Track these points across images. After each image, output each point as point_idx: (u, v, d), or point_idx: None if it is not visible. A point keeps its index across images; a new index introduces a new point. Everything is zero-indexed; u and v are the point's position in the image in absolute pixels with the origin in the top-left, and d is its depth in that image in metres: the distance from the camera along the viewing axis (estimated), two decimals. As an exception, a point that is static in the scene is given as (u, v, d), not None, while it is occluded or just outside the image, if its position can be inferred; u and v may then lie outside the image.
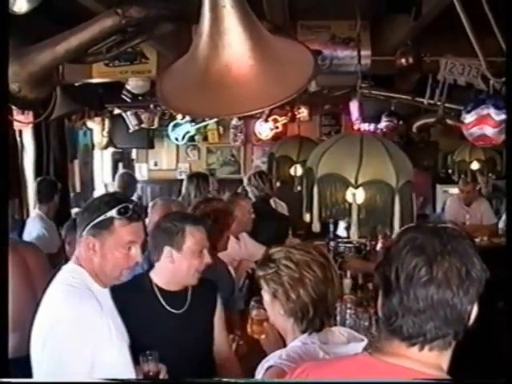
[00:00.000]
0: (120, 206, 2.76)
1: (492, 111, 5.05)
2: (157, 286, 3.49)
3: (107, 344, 2.66)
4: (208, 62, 1.60)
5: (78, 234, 2.84)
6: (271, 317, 2.72)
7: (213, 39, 1.58)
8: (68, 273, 2.81)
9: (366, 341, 2.57)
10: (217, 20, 1.56)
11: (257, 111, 1.60)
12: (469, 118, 5.21)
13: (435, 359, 1.78)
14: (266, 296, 2.67)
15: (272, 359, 2.47)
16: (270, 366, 2.44)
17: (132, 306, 3.33)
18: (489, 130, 5.10)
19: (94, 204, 2.84)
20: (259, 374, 2.49)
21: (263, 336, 2.99)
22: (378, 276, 1.85)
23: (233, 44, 1.56)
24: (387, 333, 1.82)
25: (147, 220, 4.96)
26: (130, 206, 2.79)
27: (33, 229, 6.48)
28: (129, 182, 9.57)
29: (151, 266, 3.59)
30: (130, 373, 2.84)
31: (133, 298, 3.42)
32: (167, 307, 3.46)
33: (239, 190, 7.36)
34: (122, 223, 2.76)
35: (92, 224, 2.71)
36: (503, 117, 4.98)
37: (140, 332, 3.21)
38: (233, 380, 2.98)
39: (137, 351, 3.19)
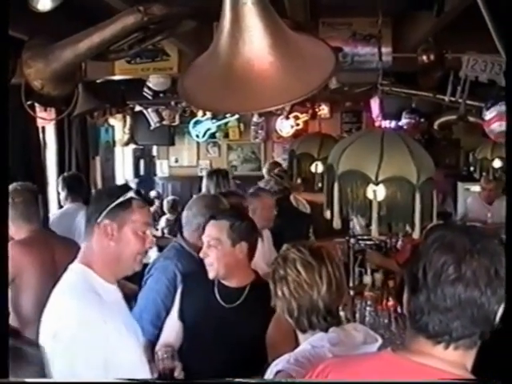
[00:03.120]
0: (135, 189, 2.84)
1: (511, 108, 5.03)
2: (218, 280, 3.58)
3: (116, 346, 2.60)
4: (230, 58, 1.61)
5: (87, 228, 2.80)
6: None
7: (234, 36, 1.59)
8: (74, 274, 2.76)
9: (379, 341, 2.56)
10: (238, 17, 1.57)
11: (278, 107, 1.61)
12: (489, 115, 5.20)
13: (460, 358, 1.76)
14: None
15: (280, 363, 2.47)
16: (279, 371, 2.44)
17: (191, 296, 3.61)
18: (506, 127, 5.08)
19: (106, 192, 2.93)
20: (267, 378, 2.51)
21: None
22: (405, 273, 1.85)
23: (254, 40, 1.57)
24: (413, 330, 1.81)
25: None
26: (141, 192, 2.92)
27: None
28: None
29: None
30: (144, 372, 2.81)
31: (196, 287, 3.63)
32: (219, 300, 3.53)
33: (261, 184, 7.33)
34: (139, 204, 2.81)
35: (111, 207, 2.72)
36: (524, 113, 4.97)
37: (193, 322, 3.51)
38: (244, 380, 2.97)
39: (190, 339, 3.52)
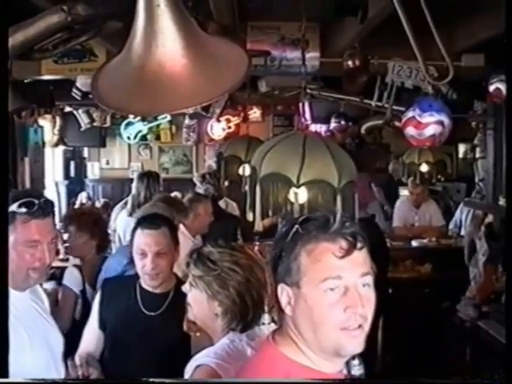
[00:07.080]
0: (22, 201, 2.52)
1: (417, 113, 5.18)
2: (140, 286, 3.52)
3: (17, 359, 2.36)
4: (142, 60, 1.62)
5: None
6: (199, 315, 2.70)
7: (147, 38, 1.60)
8: None
9: None
10: (151, 19, 1.58)
11: (189, 108, 1.64)
12: (403, 119, 5.36)
13: None
14: (199, 295, 2.66)
15: (200, 358, 2.48)
16: (198, 366, 2.44)
17: (112, 303, 3.52)
18: (414, 131, 5.23)
19: None
20: (187, 374, 2.50)
21: (198, 334, 2.98)
22: None
23: (166, 43, 1.59)
24: None
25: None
26: (36, 202, 2.54)
27: None
28: None
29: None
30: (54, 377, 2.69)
31: (116, 295, 3.55)
32: (142, 308, 3.48)
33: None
34: (24, 219, 2.52)
35: None
36: (428, 119, 5.13)
37: (115, 329, 3.44)
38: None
39: (112, 347, 3.45)
